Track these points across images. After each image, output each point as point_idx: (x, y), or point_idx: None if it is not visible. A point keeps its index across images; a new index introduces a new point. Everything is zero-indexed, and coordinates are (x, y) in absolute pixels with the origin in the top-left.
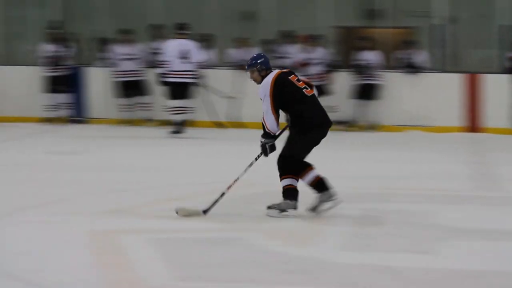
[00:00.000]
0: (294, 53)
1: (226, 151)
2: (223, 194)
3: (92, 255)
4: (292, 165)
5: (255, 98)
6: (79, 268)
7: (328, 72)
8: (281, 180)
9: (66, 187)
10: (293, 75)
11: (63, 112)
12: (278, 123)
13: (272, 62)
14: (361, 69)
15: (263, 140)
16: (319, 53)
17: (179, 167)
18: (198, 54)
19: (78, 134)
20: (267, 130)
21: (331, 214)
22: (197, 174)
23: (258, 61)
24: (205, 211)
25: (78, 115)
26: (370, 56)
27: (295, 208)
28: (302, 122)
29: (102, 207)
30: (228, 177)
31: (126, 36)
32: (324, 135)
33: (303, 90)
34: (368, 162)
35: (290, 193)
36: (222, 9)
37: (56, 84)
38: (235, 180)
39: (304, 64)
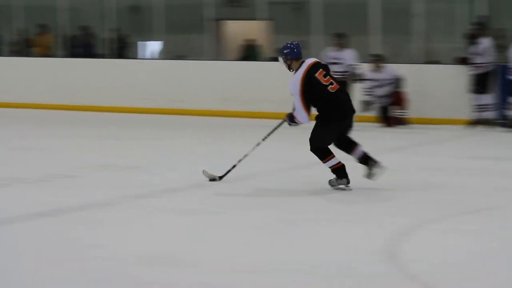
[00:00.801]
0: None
1: None
2: (234, 165)
3: None
4: (318, 152)
5: None
6: None
7: None
8: (325, 163)
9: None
10: (320, 70)
11: (489, 114)
12: (309, 117)
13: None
14: None
15: (287, 119)
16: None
17: None
18: None
19: (503, 139)
20: (296, 120)
21: None
22: None
23: (284, 51)
24: (220, 177)
25: (502, 117)
26: None
27: (347, 182)
28: (324, 115)
29: None
30: None
31: None
32: (345, 125)
33: (328, 87)
34: None
35: (338, 172)
36: None
37: (480, 84)
38: (245, 156)
39: None
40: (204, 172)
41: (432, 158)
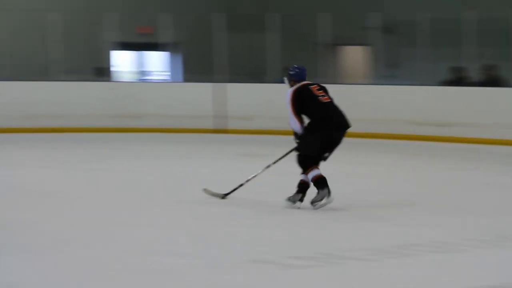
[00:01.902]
0: None
1: None
2: (241, 184)
3: None
4: (302, 161)
5: None
6: None
7: None
8: (306, 174)
9: None
10: (315, 85)
11: None
12: (302, 125)
13: None
14: None
15: (295, 139)
16: None
17: None
18: None
19: None
20: (294, 131)
21: None
22: None
23: (290, 73)
24: (225, 195)
25: None
26: None
27: (329, 194)
28: (312, 123)
29: None
30: None
31: None
32: (334, 137)
33: (319, 97)
34: None
35: (320, 183)
36: None
37: None
38: (254, 176)
39: None
40: (205, 190)
41: None
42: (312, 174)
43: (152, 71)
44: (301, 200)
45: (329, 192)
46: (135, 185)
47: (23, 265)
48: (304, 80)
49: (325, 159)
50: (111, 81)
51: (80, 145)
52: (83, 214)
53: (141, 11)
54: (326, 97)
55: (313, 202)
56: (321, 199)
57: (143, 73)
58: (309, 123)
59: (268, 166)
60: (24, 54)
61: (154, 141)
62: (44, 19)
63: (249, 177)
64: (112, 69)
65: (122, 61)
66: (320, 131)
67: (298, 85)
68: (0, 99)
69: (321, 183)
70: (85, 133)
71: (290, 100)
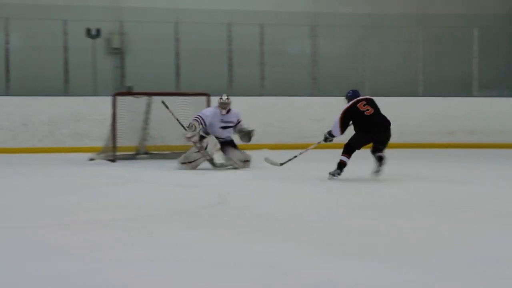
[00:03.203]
0: None
1: None
2: (295, 156)
3: None
4: (346, 148)
5: None
6: None
7: None
8: (341, 155)
9: None
10: (362, 101)
11: None
12: (340, 132)
13: None
14: None
15: (327, 134)
16: None
17: None
18: None
19: None
20: (332, 132)
21: None
22: None
23: (348, 94)
24: (281, 164)
25: None
26: None
27: (339, 174)
28: (363, 128)
29: None
30: None
31: None
32: (380, 136)
33: (364, 112)
34: None
35: (341, 166)
36: None
37: None
38: (306, 150)
39: None
40: (266, 159)
41: None
42: (343, 158)
43: None
44: (339, 174)
45: (339, 174)
46: None
47: None
48: (354, 99)
49: (380, 150)
50: None
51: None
52: None
53: None
54: (369, 110)
55: (334, 173)
56: (334, 175)
57: None
58: (361, 128)
59: (319, 142)
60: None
61: None
62: None
63: (302, 151)
64: None
65: None
66: (368, 134)
67: (349, 103)
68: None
69: (342, 166)
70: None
71: (341, 114)
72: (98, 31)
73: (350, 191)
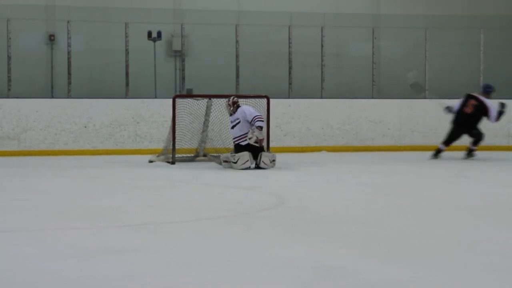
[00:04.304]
0: None
1: None
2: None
3: None
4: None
5: None
6: None
7: None
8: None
9: None
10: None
11: None
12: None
13: None
14: None
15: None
16: None
17: None
18: None
19: None
20: (491, 117)
21: None
22: None
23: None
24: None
25: None
26: None
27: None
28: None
29: None
30: None
31: None
32: (460, 130)
33: (463, 109)
34: None
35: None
36: None
37: None
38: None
39: None
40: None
41: None
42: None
43: None
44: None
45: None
46: None
47: None
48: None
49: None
50: None
51: None
52: None
53: None
54: (467, 109)
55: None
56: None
57: None
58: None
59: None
60: None
61: None
62: None
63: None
64: None
65: None
66: (454, 126)
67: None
68: None
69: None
70: None
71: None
72: (159, 33)
73: (406, 194)
